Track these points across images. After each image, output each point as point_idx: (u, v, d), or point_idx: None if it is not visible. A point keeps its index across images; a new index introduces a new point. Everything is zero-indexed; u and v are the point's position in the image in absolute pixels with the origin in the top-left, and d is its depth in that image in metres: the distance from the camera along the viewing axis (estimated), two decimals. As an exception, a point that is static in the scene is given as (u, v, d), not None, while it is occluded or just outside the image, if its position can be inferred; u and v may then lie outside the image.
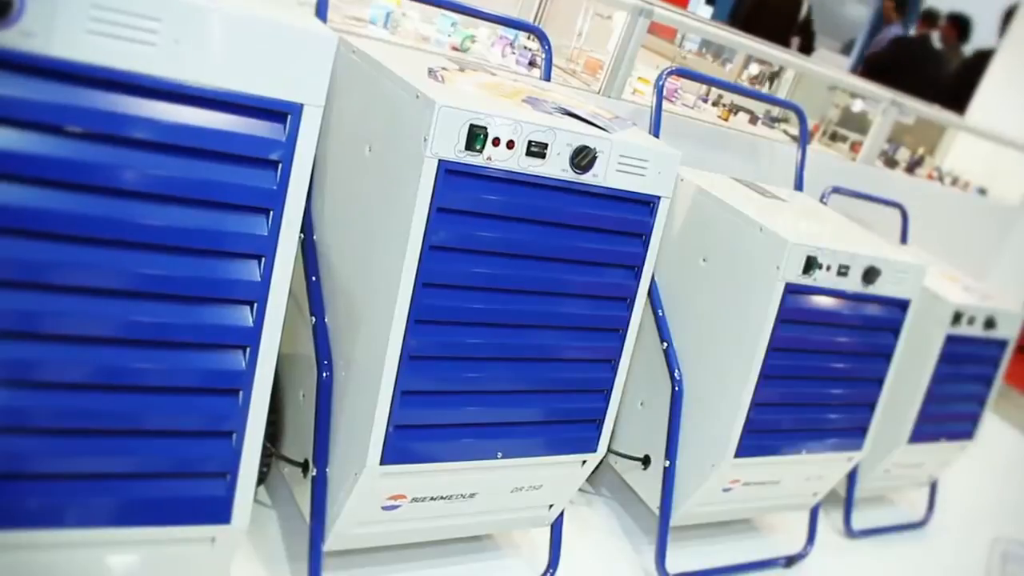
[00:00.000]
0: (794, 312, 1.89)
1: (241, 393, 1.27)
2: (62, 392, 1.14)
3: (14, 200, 1.06)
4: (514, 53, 2.61)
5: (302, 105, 1.21)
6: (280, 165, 1.22)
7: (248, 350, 1.25)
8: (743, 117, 3.21)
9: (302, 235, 1.60)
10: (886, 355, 2.14)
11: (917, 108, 3.35)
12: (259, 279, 1.24)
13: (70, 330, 1.13)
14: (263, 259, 1.23)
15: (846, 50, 7.37)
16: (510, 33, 2.68)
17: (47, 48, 1.04)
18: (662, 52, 3.92)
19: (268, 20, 1.16)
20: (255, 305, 1.25)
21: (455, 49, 2.42)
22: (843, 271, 1.93)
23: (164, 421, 1.22)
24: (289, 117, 1.20)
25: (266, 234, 1.23)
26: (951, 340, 2.43)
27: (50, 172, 1.08)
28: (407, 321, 1.43)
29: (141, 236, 1.14)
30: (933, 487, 2.92)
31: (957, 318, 2.42)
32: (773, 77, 4.02)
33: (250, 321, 1.25)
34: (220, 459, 1.28)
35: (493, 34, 2.72)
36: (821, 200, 2.53)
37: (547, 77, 2.03)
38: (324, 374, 1.57)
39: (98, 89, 1.09)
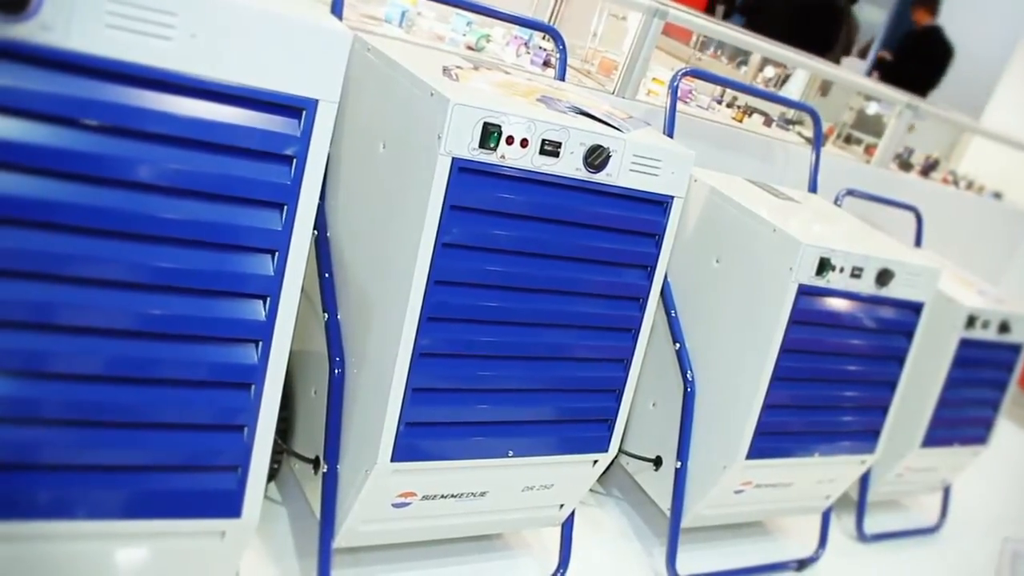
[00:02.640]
0: (807, 314, 1.88)
1: (253, 387, 1.27)
2: (75, 383, 1.15)
3: (29, 192, 1.07)
4: (528, 53, 2.62)
5: (317, 101, 1.21)
6: (294, 160, 1.22)
7: (261, 344, 1.26)
8: (757, 119, 3.20)
9: (315, 232, 1.61)
10: (899, 358, 2.13)
11: (933, 111, 3.33)
12: (272, 274, 1.24)
13: (84, 322, 1.13)
14: (276, 254, 1.24)
15: (862, 54, 7.36)
16: (525, 33, 2.68)
17: (65, 42, 1.05)
18: (677, 54, 3.91)
19: (284, 16, 1.16)
20: (268, 300, 1.25)
21: (470, 48, 2.42)
22: (856, 273, 1.92)
23: (176, 414, 1.22)
24: (304, 113, 1.21)
25: (280, 229, 1.23)
26: (965, 344, 2.42)
27: (66, 165, 1.08)
28: (419, 318, 1.43)
29: (156, 229, 1.15)
30: (946, 492, 2.90)
31: (971, 322, 2.40)
32: (787, 80, 4.01)
33: (263, 315, 1.25)
34: (231, 453, 1.28)
35: (508, 34, 2.72)
36: (835, 202, 2.52)
37: (561, 77, 2.03)
38: (336, 371, 1.57)
39: (115, 83, 1.09)
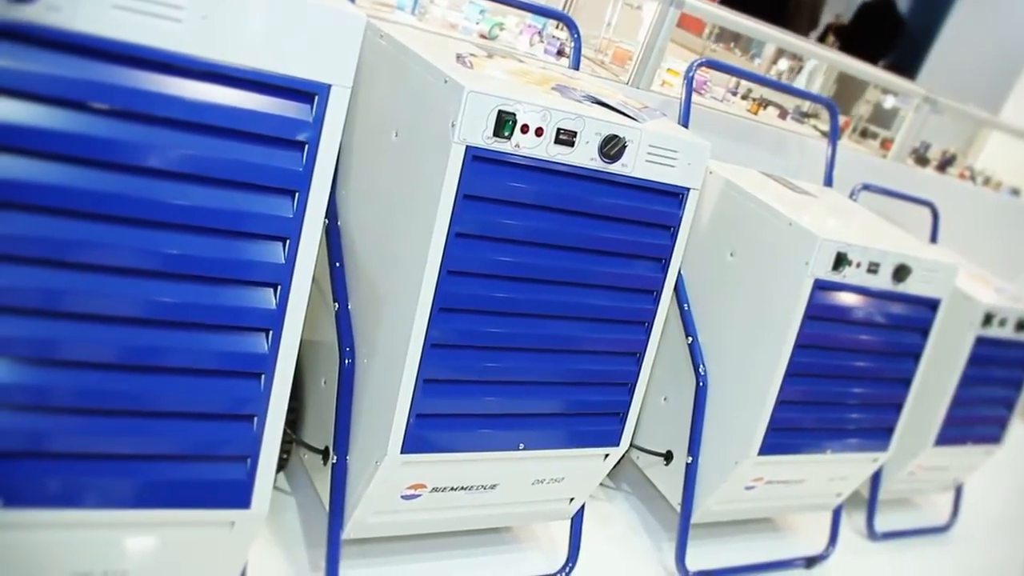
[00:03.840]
0: (822, 309, 1.86)
1: (263, 376, 1.25)
2: (83, 371, 1.13)
3: (37, 177, 1.05)
4: (542, 42, 2.59)
5: (330, 85, 1.19)
6: (307, 146, 1.20)
7: (271, 333, 1.24)
8: (772, 112, 3.17)
9: (326, 220, 1.59)
10: (914, 355, 2.10)
11: (950, 105, 3.29)
12: (283, 261, 1.22)
13: (93, 309, 1.12)
14: (288, 241, 1.22)
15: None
16: (538, 21, 2.65)
17: (73, 23, 1.03)
18: (689, 46, 3.88)
19: (297, -1, 1.14)
20: (279, 288, 1.23)
21: (483, 37, 2.40)
22: (873, 268, 1.90)
23: (185, 403, 1.20)
24: (317, 97, 1.19)
25: (291, 216, 1.21)
26: (981, 342, 2.39)
27: (73, 149, 1.07)
28: (431, 309, 1.41)
29: (165, 215, 1.13)
30: (958, 491, 2.88)
31: (988, 319, 2.38)
32: (800, 72, 3.97)
33: (273, 304, 1.23)
34: (241, 443, 1.26)
35: (521, 22, 2.69)
36: (851, 197, 2.49)
37: (576, 66, 2.01)
38: (346, 361, 1.56)
39: (123, 66, 1.07)
